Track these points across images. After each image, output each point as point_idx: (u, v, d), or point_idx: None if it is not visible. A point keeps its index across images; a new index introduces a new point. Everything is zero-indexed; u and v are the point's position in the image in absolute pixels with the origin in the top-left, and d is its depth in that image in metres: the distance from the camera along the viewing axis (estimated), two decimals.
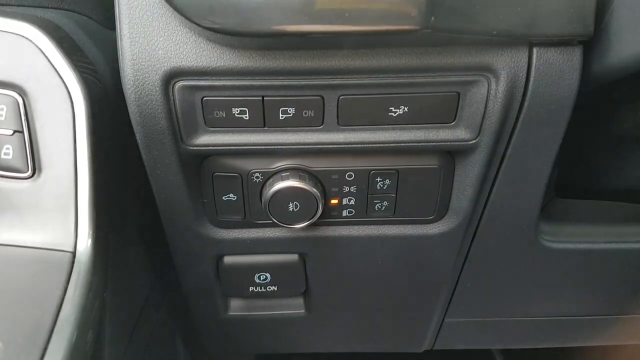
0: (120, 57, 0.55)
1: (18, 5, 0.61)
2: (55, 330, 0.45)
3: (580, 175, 0.78)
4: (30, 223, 0.53)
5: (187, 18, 0.49)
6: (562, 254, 0.78)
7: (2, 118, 0.53)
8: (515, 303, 0.90)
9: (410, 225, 0.72)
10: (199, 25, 0.49)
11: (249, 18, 0.47)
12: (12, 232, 0.54)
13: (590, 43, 0.54)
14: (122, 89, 0.56)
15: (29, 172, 0.54)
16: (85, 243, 0.52)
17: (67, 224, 0.53)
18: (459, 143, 0.61)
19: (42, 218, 0.53)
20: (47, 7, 0.62)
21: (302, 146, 0.60)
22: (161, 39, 0.53)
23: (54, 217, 0.53)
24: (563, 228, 0.78)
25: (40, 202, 0.53)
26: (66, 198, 0.53)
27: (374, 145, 0.60)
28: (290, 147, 0.60)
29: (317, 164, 0.65)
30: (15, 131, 0.53)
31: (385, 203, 0.68)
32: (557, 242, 0.77)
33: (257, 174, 0.65)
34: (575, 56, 0.55)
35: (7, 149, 0.53)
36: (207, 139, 0.59)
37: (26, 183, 0.54)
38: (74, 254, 0.52)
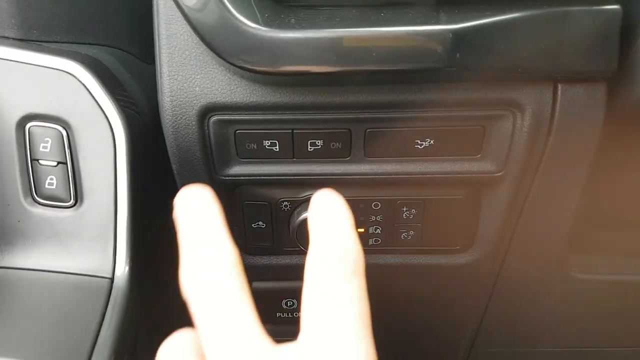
0: (159, 93, 0.58)
1: (61, 42, 0.64)
2: (94, 354, 0.47)
3: (608, 207, 0.78)
4: (71, 250, 0.56)
5: (222, 58, 0.51)
6: (592, 285, 0.78)
7: (47, 150, 0.56)
8: (544, 334, 0.89)
9: (436, 255, 0.73)
10: (233, 64, 0.51)
11: (279, 58, 0.50)
12: (53, 259, 0.56)
13: (615, 79, 0.55)
14: (159, 122, 0.59)
15: (72, 202, 0.57)
16: (122, 269, 0.55)
17: (106, 251, 0.55)
18: (485, 175, 0.62)
19: (83, 245, 0.56)
20: (90, 44, 0.66)
21: (330, 176, 0.62)
22: (198, 76, 0.56)
23: (94, 244, 0.56)
24: (592, 259, 0.77)
25: (81, 230, 0.56)
26: (106, 226, 0.56)
27: (400, 176, 0.62)
28: (318, 177, 0.62)
29: (344, 193, 0.66)
30: (59, 162, 0.57)
31: (411, 232, 0.69)
32: (587, 273, 0.76)
33: (285, 203, 0.66)
34: (599, 92, 0.55)
35: (51, 179, 0.56)
36: (238, 170, 0.61)
37: (68, 212, 0.57)
38: (112, 279, 0.54)
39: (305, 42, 0.49)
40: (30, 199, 0.57)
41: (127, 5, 0.68)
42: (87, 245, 0.56)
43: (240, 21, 0.49)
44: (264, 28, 0.49)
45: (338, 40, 0.49)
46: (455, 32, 0.49)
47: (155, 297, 0.68)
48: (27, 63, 0.58)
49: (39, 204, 0.57)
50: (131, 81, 0.67)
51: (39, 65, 0.57)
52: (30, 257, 0.57)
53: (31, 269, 0.56)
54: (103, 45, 0.67)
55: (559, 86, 0.56)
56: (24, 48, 0.59)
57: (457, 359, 0.93)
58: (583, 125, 0.57)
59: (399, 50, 0.50)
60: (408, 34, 0.49)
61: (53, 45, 0.62)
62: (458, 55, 0.50)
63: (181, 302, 0.84)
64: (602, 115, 0.56)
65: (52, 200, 0.57)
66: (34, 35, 0.62)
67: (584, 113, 0.56)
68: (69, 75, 0.58)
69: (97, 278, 0.54)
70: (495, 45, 0.51)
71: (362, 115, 0.58)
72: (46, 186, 0.57)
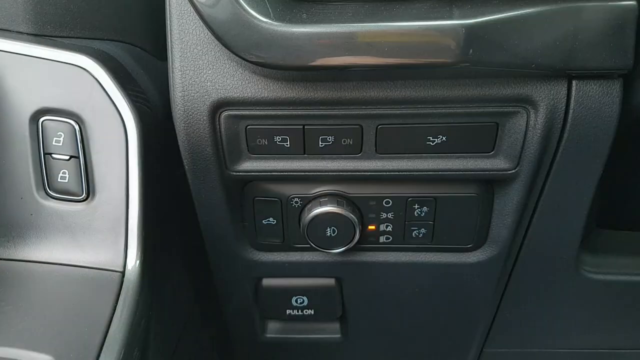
0: (171, 88, 0.58)
1: (74, 38, 0.65)
2: (105, 347, 0.48)
3: (622, 206, 0.77)
4: (82, 243, 0.56)
5: (234, 53, 0.51)
6: (604, 286, 0.77)
7: (60, 144, 0.57)
8: (555, 334, 0.88)
9: (448, 253, 0.72)
10: (245, 59, 0.51)
11: (291, 53, 0.50)
12: (65, 252, 0.57)
13: (631, 76, 0.54)
14: (171, 117, 0.59)
15: (83, 195, 0.57)
16: (133, 263, 0.55)
17: (117, 245, 0.56)
18: (498, 173, 0.61)
19: (94, 239, 0.56)
20: (103, 39, 0.66)
21: (341, 173, 0.62)
22: (210, 71, 0.56)
23: (105, 238, 0.56)
24: (604, 259, 0.76)
25: (92, 223, 0.56)
26: (117, 220, 0.56)
27: (412, 173, 0.61)
28: (329, 173, 0.62)
29: (355, 190, 0.66)
30: (71, 156, 0.57)
31: (422, 230, 0.69)
32: (599, 274, 0.76)
33: (296, 199, 0.66)
34: (615, 89, 0.55)
35: (64, 173, 0.57)
36: (249, 165, 0.61)
37: (80, 206, 0.57)
38: (123, 273, 0.54)
39: (317, 36, 0.49)
40: (43, 193, 0.58)
41: (140, 2, 0.69)
42: (99, 239, 0.56)
43: (253, 16, 0.49)
44: (275, 23, 0.49)
45: (350, 35, 0.49)
46: (468, 27, 0.49)
47: (166, 292, 0.68)
48: (41, 58, 0.58)
49: (52, 197, 0.58)
50: (143, 77, 0.67)
51: (52, 60, 0.58)
52: (43, 250, 0.57)
53: (43, 261, 0.56)
54: (116, 41, 0.67)
55: (574, 82, 0.55)
56: (38, 43, 0.59)
57: (468, 358, 0.92)
58: (598, 122, 0.56)
59: (411, 45, 0.50)
60: (420, 29, 0.49)
61: (67, 41, 0.63)
62: (471, 50, 0.50)
63: (192, 298, 0.84)
64: (618, 112, 0.56)
65: (65, 194, 0.57)
66: (48, 31, 0.62)
67: (599, 110, 0.56)
68: (83, 70, 0.58)
69: (108, 272, 0.54)
70: (509, 41, 0.51)
71: (373, 111, 0.57)
72: (59, 180, 0.57)
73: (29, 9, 0.61)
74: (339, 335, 0.87)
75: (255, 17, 0.49)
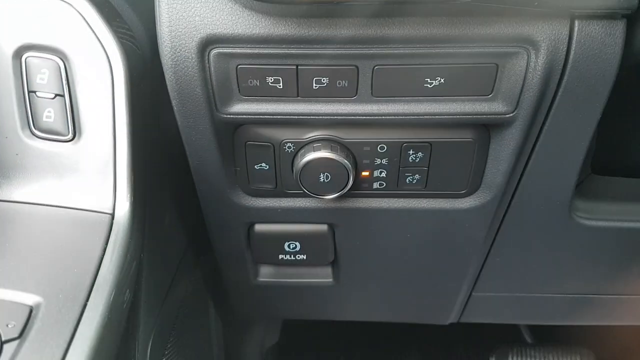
0: (157, 23, 0.55)
1: None
2: (95, 288, 0.47)
3: (617, 152, 0.76)
4: (70, 185, 0.55)
5: None
6: (596, 232, 0.77)
7: (44, 82, 0.55)
8: (545, 280, 0.89)
9: (441, 199, 0.72)
10: None
11: None
12: (52, 193, 0.56)
13: (634, 17, 0.52)
14: (159, 56, 0.57)
15: (70, 135, 0.55)
16: (123, 206, 0.54)
17: (106, 186, 0.54)
18: (496, 116, 0.60)
19: (82, 180, 0.55)
20: None
21: (335, 117, 0.60)
22: (198, 5, 0.53)
23: (94, 179, 0.55)
24: (598, 205, 0.76)
25: (80, 164, 0.55)
26: (105, 161, 0.55)
27: (408, 117, 0.60)
28: (323, 117, 0.60)
29: (350, 135, 0.65)
30: (56, 95, 0.55)
31: (416, 176, 0.68)
32: (591, 220, 0.76)
33: (289, 144, 0.65)
34: (617, 30, 0.53)
35: (49, 112, 0.55)
36: (240, 108, 0.60)
37: (67, 146, 0.55)
38: (112, 215, 0.53)
39: None
40: (28, 132, 0.56)
41: None
42: (87, 180, 0.55)
43: None
44: None
45: None
46: None
47: (158, 234, 0.67)
48: None
49: (37, 137, 0.56)
50: (130, 11, 0.64)
51: None
52: (29, 191, 0.56)
53: (29, 202, 0.55)
54: None
55: (576, 22, 0.53)
56: None
57: (457, 302, 0.93)
58: (599, 64, 0.55)
59: None
60: None
61: None
62: None
63: (184, 240, 0.84)
64: (620, 54, 0.54)
65: (50, 133, 0.56)
66: None
67: (600, 51, 0.54)
68: (67, 4, 0.55)
69: (97, 213, 0.53)
70: None
71: (370, 51, 0.55)
72: (44, 119, 0.55)
73: None
74: (330, 280, 0.88)
75: None
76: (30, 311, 0.45)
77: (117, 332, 0.50)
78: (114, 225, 0.52)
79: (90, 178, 0.55)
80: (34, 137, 0.56)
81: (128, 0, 0.65)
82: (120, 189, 0.54)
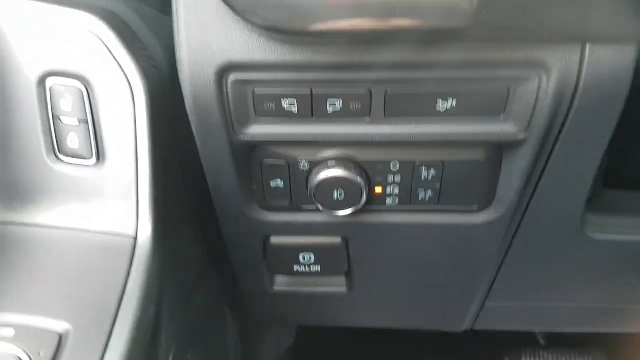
0: (177, 50, 0.57)
1: None
2: (119, 315, 0.49)
3: (629, 166, 0.76)
4: (94, 208, 0.57)
5: (239, 15, 0.50)
6: (608, 246, 0.78)
7: (68, 107, 0.57)
8: (557, 291, 0.90)
9: (454, 214, 0.73)
10: (249, 22, 0.50)
11: (298, 15, 0.49)
12: (77, 217, 0.58)
13: None
14: (178, 76, 0.59)
15: (94, 160, 0.57)
16: (146, 229, 0.56)
17: (129, 210, 0.56)
18: (508, 137, 0.61)
19: (106, 204, 0.57)
20: None
21: (349, 138, 0.62)
22: (216, 33, 0.55)
23: (117, 203, 0.57)
24: (609, 219, 0.77)
25: (104, 188, 0.57)
26: (128, 185, 0.56)
27: (420, 137, 0.61)
28: (337, 138, 0.62)
29: (363, 154, 0.66)
30: (80, 120, 0.57)
31: (429, 193, 0.69)
32: (603, 234, 0.76)
33: (304, 163, 0.67)
34: (629, 54, 0.53)
35: (73, 136, 0.57)
36: (257, 130, 0.61)
37: (91, 170, 0.57)
38: (135, 239, 0.55)
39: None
40: (53, 157, 0.58)
41: None
42: (111, 204, 0.57)
43: None
44: None
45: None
46: None
47: (178, 251, 0.69)
48: (46, 18, 0.57)
49: (62, 161, 0.58)
50: (148, 33, 0.66)
51: (57, 21, 0.57)
52: (54, 215, 0.58)
53: (56, 227, 0.57)
54: None
55: (587, 46, 0.54)
56: (43, 1, 0.58)
57: (470, 311, 0.95)
58: (610, 87, 0.56)
59: (422, 7, 0.48)
60: None
61: None
62: (484, 12, 0.49)
63: (205, 252, 0.86)
64: (631, 77, 0.55)
65: (75, 157, 0.58)
66: None
67: (612, 74, 0.55)
68: (89, 31, 0.57)
69: (121, 237, 0.55)
70: (522, 3, 0.49)
71: (382, 76, 0.57)
72: (68, 144, 0.57)
73: None
74: (344, 289, 0.89)
75: None
76: (60, 339, 0.47)
77: (142, 355, 0.52)
78: (137, 249, 0.54)
79: (114, 202, 0.57)
80: (59, 161, 0.58)
81: (145, 20, 0.66)
82: (143, 212, 0.56)
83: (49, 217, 0.58)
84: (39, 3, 0.58)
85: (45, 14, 0.57)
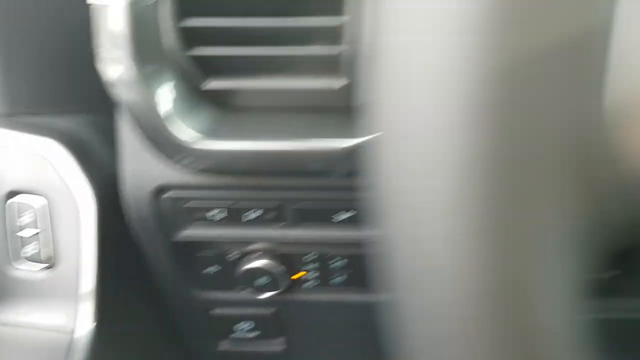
0: (119, 172, 0.69)
1: (42, 115, 0.75)
2: None
3: None
4: (43, 307, 0.69)
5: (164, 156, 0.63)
6: None
7: (29, 220, 0.68)
8: None
9: (367, 294, 0.84)
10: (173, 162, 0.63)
11: (209, 166, 0.62)
12: (28, 316, 0.69)
13: None
14: None
15: (49, 264, 0.69)
16: (85, 325, 0.67)
17: (73, 308, 0.68)
18: None
19: (53, 303, 0.69)
20: (67, 113, 0.77)
21: (269, 240, 0.74)
22: (150, 161, 0.67)
23: (62, 302, 0.68)
24: None
25: (54, 289, 0.69)
26: (73, 285, 0.68)
27: (326, 239, 0.74)
28: (259, 240, 0.74)
29: (283, 248, 0.78)
30: (39, 231, 0.69)
31: (343, 277, 0.81)
32: None
33: (234, 253, 0.79)
34: None
35: (32, 246, 0.69)
36: (189, 233, 0.73)
37: (45, 272, 0.69)
38: (72, 335, 0.66)
39: (229, 154, 0.60)
40: (12, 265, 0.70)
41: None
42: (56, 304, 0.69)
43: (172, 135, 0.60)
44: (191, 140, 0.60)
45: (255, 153, 0.60)
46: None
47: (123, 343, 0.81)
48: (12, 144, 0.69)
49: (20, 269, 0.70)
50: (104, 144, 0.78)
51: (22, 146, 0.69)
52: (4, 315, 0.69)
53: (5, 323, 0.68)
54: (80, 113, 0.78)
55: None
56: (10, 127, 0.70)
57: None
58: None
59: (305, 165, 0.61)
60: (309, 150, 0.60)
61: (36, 119, 0.73)
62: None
63: (151, 331, 0.96)
64: None
65: (32, 262, 0.69)
66: (21, 110, 0.73)
67: None
68: (49, 155, 0.69)
69: (59, 333, 0.67)
70: None
71: (290, 195, 0.69)
72: (29, 250, 0.69)
73: (3, 91, 0.71)
74: (283, 347, 1.01)
75: (174, 136, 0.60)
76: None
77: None
78: (72, 344, 0.65)
79: (60, 301, 0.69)
80: (17, 268, 0.70)
81: (105, 134, 0.77)
82: (83, 309, 0.67)
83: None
84: (10, 131, 0.69)
85: (14, 141, 0.69)
